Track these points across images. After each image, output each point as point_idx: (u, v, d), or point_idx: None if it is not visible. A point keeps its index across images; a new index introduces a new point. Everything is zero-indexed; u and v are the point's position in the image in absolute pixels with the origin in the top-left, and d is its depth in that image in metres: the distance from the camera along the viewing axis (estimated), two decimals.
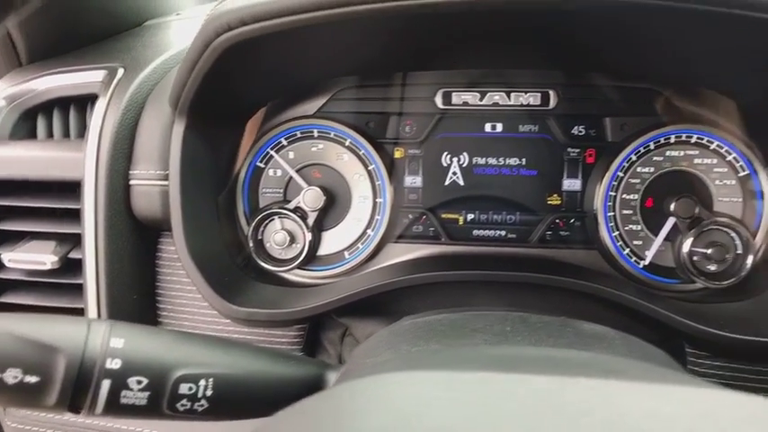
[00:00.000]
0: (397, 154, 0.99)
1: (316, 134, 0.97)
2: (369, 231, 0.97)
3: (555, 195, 0.98)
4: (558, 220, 0.98)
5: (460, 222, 1.00)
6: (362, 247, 0.98)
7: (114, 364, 0.51)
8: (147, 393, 0.52)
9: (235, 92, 0.85)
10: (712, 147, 0.93)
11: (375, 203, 0.97)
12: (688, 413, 0.27)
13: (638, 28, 0.73)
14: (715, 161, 0.93)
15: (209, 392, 0.54)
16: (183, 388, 0.53)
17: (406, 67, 0.96)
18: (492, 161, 0.99)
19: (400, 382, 0.37)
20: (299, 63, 0.83)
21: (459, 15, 0.64)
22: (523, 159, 0.98)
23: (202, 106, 0.83)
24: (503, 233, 0.99)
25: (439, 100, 0.96)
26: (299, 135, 0.98)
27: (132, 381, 0.52)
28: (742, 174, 0.93)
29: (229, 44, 0.69)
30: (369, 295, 0.86)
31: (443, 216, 1.00)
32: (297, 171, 0.98)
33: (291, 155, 0.98)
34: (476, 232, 0.99)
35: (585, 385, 0.33)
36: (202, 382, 0.54)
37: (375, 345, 0.58)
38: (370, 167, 0.97)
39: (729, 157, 0.93)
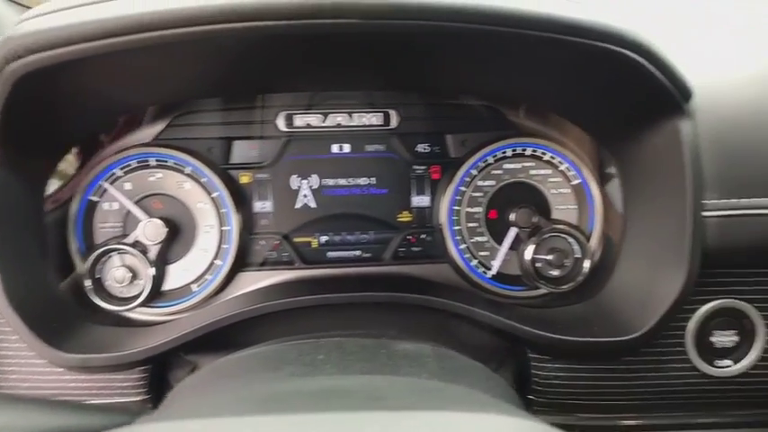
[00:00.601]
0: (244, 179, 0.96)
1: (153, 163, 0.92)
2: (216, 261, 0.93)
3: (405, 212, 0.99)
4: (409, 237, 0.99)
5: (314, 245, 0.98)
6: (211, 278, 0.93)
7: None
8: None
9: (49, 121, 0.78)
10: (545, 158, 0.98)
11: (222, 232, 0.93)
12: None
13: (459, 49, 0.75)
14: (549, 171, 0.98)
15: None
16: None
17: (245, 90, 0.94)
18: (342, 181, 0.98)
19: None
20: (115, 89, 0.78)
21: (260, 41, 0.63)
22: (373, 178, 0.99)
23: (13, 138, 0.75)
24: (357, 253, 0.99)
25: (281, 123, 0.95)
26: (134, 165, 0.92)
27: None
28: (574, 182, 0.98)
29: (22, 73, 0.64)
30: (214, 329, 0.82)
31: (296, 240, 0.98)
32: (136, 203, 0.92)
33: (128, 186, 0.92)
34: (330, 254, 0.99)
35: (343, 419, 0.32)
36: None
37: (186, 388, 0.55)
38: (213, 195, 0.93)
39: (562, 167, 0.98)
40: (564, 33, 0.65)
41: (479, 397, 0.43)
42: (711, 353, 0.85)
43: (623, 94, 0.78)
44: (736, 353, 0.86)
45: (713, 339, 0.85)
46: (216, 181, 0.92)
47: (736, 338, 0.85)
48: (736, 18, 0.90)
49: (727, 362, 0.85)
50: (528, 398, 0.88)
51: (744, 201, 0.77)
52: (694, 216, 0.76)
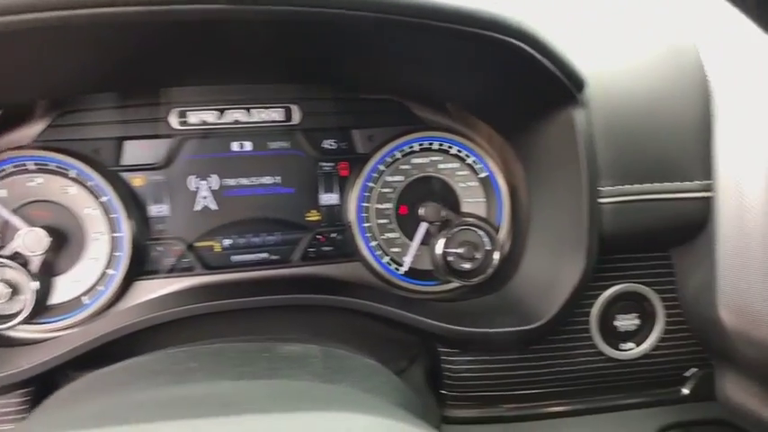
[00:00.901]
0: (137, 182, 0.90)
1: (32, 167, 0.85)
2: (109, 271, 0.87)
3: (314, 211, 0.96)
4: (319, 236, 0.96)
5: (217, 249, 0.94)
6: (103, 289, 0.87)
7: None
8: None
9: None
10: (452, 152, 0.97)
11: (113, 239, 0.87)
12: None
13: (360, 41, 0.73)
14: (457, 165, 0.98)
15: None
16: None
17: (133, 85, 0.88)
18: (244, 181, 0.94)
19: None
20: None
21: (129, 30, 0.59)
22: (278, 177, 0.95)
23: None
24: (264, 255, 0.95)
25: (174, 120, 0.90)
26: (10, 169, 0.84)
27: None
28: (482, 175, 0.98)
29: None
30: (101, 343, 0.77)
31: (197, 245, 0.93)
32: (14, 211, 0.85)
33: (4, 193, 0.84)
34: (234, 258, 0.94)
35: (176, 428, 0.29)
36: None
37: (49, 406, 0.50)
38: (102, 199, 0.86)
39: (469, 161, 0.98)
40: (446, 21, 0.63)
41: (354, 396, 0.40)
42: (615, 336, 0.87)
43: (518, 86, 0.79)
44: (638, 336, 0.88)
45: (617, 323, 0.87)
46: (103, 184, 0.86)
47: (637, 321, 0.88)
48: (629, 8, 0.92)
49: (630, 344, 0.87)
50: (441, 393, 0.87)
51: (637, 186, 0.79)
52: (590, 203, 0.77)
